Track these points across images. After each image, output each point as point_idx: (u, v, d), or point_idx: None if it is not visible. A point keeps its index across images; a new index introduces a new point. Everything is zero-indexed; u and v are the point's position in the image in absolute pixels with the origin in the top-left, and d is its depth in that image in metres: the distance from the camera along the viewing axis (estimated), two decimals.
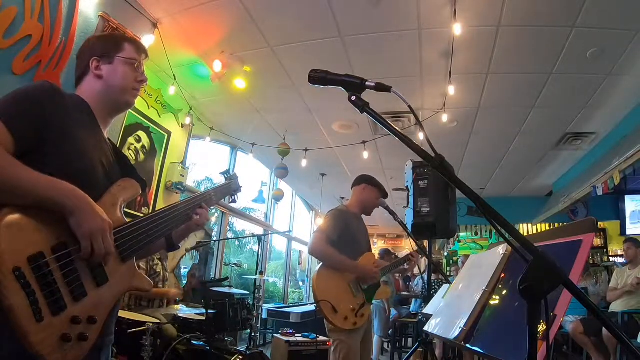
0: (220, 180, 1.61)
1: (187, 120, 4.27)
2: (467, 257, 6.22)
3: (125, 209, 1.12)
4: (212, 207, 1.44)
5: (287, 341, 3.86)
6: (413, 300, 6.23)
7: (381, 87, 0.92)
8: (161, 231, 1.14)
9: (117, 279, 0.99)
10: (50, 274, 0.83)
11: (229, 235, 6.42)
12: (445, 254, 9.76)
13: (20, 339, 0.77)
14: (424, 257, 2.68)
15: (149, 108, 3.80)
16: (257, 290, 3.54)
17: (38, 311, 0.79)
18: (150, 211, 3.83)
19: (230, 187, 1.56)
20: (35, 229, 0.85)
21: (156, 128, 3.91)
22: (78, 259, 0.90)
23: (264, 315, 5.89)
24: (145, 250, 1.13)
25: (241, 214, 6.28)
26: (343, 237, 2.46)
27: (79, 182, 0.93)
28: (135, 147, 3.66)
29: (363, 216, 2.73)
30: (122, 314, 2.44)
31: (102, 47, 1.18)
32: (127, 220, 1.07)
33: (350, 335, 2.31)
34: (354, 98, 0.93)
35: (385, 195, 2.72)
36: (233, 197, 1.62)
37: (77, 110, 1.06)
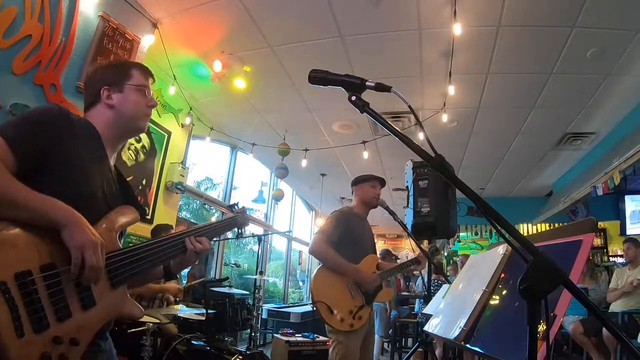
0: (222, 181, 1.60)
1: (187, 120, 4.27)
2: (466, 256, 6.22)
3: None
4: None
5: (287, 341, 3.86)
6: (417, 300, 6.23)
7: (381, 87, 0.92)
8: (156, 260, 1.13)
9: (106, 304, 0.99)
10: (35, 292, 0.84)
11: (229, 235, 6.41)
12: (445, 254, 9.75)
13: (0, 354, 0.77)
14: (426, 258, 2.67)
15: None
16: (257, 290, 3.54)
17: (19, 327, 0.80)
18: (150, 211, 3.85)
19: (237, 221, 1.51)
20: (27, 247, 0.86)
21: (156, 128, 3.91)
22: (66, 280, 0.91)
23: (264, 315, 5.89)
24: (139, 278, 1.13)
25: None
26: (345, 239, 2.45)
27: (76, 205, 0.94)
28: (135, 147, 3.66)
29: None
30: None
31: (111, 76, 1.20)
32: (122, 248, 1.07)
33: (348, 337, 2.30)
34: (354, 98, 0.93)
35: (378, 180, 2.69)
36: (239, 231, 1.57)
37: (84, 136, 1.08)
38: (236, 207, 1.57)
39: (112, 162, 1.21)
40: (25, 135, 0.95)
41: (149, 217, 3.81)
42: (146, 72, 1.25)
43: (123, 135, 1.23)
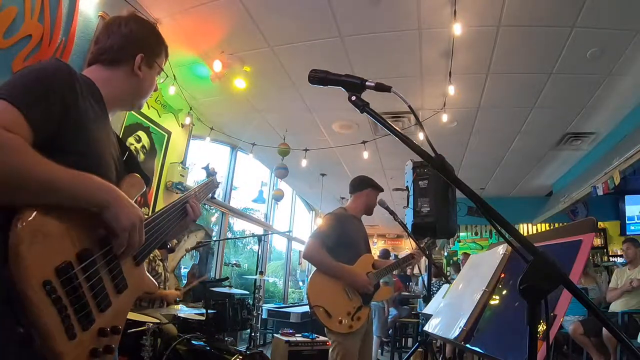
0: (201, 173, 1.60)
1: (187, 120, 4.27)
2: (467, 255, 6.23)
3: None
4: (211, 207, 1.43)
5: (287, 341, 3.86)
6: (419, 300, 6.23)
7: (381, 87, 0.92)
8: (167, 231, 1.09)
9: (133, 283, 0.94)
10: (79, 286, 0.76)
11: (229, 235, 6.42)
12: (445, 254, 9.76)
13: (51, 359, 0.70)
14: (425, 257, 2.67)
15: (149, 108, 3.80)
16: (257, 290, 3.54)
17: (70, 327, 0.72)
18: (150, 211, 3.85)
19: (213, 183, 1.53)
20: (59, 235, 0.75)
21: (156, 128, 3.91)
22: (102, 266, 0.84)
23: (264, 315, 5.89)
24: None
25: (241, 214, 6.28)
26: (340, 242, 2.47)
27: (95, 174, 0.84)
28: (135, 147, 3.66)
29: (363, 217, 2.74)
30: None
31: (152, 47, 1.11)
32: None
33: (347, 338, 2.31)
34: (354, 98, 0.93)
35: (380, 190, 2.76)
36: (212, 194, 1.58)
37: (91, 98, 0.95)
38: (208, 169, 1.58)
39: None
40: (39, 101, 0.79)
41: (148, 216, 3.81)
42: (167, 57, 1.20)
43: (125, 106, 1.15)
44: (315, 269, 2.47)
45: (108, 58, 1.05)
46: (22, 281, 0.66)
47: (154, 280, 1.07)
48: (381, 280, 2.61)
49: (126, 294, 0.91)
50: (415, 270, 7.70)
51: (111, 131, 1.05)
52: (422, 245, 2.60)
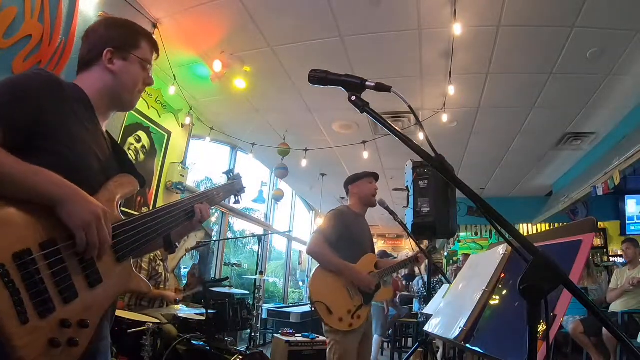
0: (222, 180, 1.56)
1: (187, 120, 4.27)
2: (467, 256, 6.22)
3: (124, 209, 1.09)
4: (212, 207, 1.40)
5: (287, 341, 3.86)
6: (415, 300, 6.23)
7: (381, 87, 0.92)
8: (160, 230, 1.08)
9: (112, 280, 0.93)
10: (37, 272, 0.77)
11: (229, 235, 6.42)
12: (445, 254, 9.76)
13: (3, 343, 0.71)
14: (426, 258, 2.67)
15: (149, 108, 3.80)
16: (257, 290, 3.54)
17: (23, 312, 0.73)
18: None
19: (234, 187, 1.51)
20: (23, 224, 0.78)
21: (156, 128, 3.91)
22: (69, 257, 0.83)
23: (264, 315, 5.89)
24: (142, 249, 1.06)
25: (241, 214, 6.28)
26: (342, 238, 2.46)
27: (72, 177, 0.87)
28: (135, 147, 3.66)
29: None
30: (122, 314, 2.44)
31: (118, 39, 1.10)
32: (124, 218, 1.01)
33: (346, 337, 2.31)
34: (354, 98, 0.93)
35: (373, 175, 2.69)
36: (237, 198, 1.55)
37: (76, 102, 0.99)
38: (232, 173, 1.56)
39: (104, 128, 1.13)
40: (14, 104, 0.85)
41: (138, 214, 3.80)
42: (154, 47, 1.18)
43: (114, 105, 1.14)
44: (318, 265, 2.47)
45: (83, 64, 1.10)
46: None
47: (146, 281, 1.05)
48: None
49: (102, 290, 0.90)
50: (416, 270, 7.69)
51: (100, 134, 1.08)
52: (425, 249, 2.58)
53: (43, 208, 0.82)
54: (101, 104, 1.09)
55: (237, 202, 1.57)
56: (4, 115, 0.84)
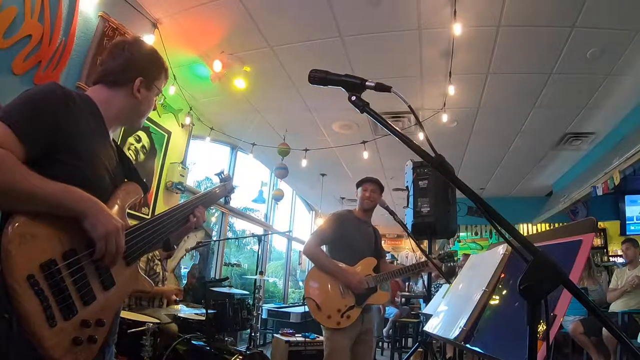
0: (215, 180, 1.64)
1: (187, 120, 4.27)
2: (467, 257, 6.21)
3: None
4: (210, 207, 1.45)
5: (287, 341, 3.86)
6: (421, 300, 6.23)
7: (381, 87, 0.92)
8: (163, 234, 1.16)
9: (122, 282, 1.03)
10: (62, 280, 0.86)
11: (229, 235, 6.42)
12: None
13: (35, 344, 0.80)
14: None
15: None
16: (257, 290, 3.54)
17: (51, 316, 0.83)
18: (150, 211, 3.85)
19: (226, 188, 1.59)
20: (47, 236, 0.87)
21: (156, 128, 3.91)
22: (88, 264, 0.93)
23: (264, 315, 5.89)
24: (146, 252, 1.16)
25: (241, 214, 6.28)
26: (338, 241, 2.53)
27: (87, 188, 0.95)
28: (135, 147, 3.66)
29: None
30: (122, 314, 2.43)
31: (150, 69, 1.19)
32: (131, 223, 1.09)
33: (335, 334, 2.35)
34: (354, 98, 0.93)
35: (370, 181, 2.69)
36: (227, 198, 1.64)
37: (87, 114, 1.05)
38: (222, 174, 1.63)
39: (111, 137, 1.19)
40: (32, 120, 0.90)
41: (148, 216, 3.81)
42: (167, 78, 1.28)
43: (123, 123, 1.24)
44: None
45: (111, 80, 1.14)
46: (10, 275, 0.79)
47: (149, 280, 1.14)
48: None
49: (115, 291, 1.00)
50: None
51: (109, 144, 1.14)
52: (435, 257, 2.55)
53: (64, 220, 0.90)
54: (114, 120, 1.15)
55: (226, 202, 1.67)
56: (27, 132, 0.89)
